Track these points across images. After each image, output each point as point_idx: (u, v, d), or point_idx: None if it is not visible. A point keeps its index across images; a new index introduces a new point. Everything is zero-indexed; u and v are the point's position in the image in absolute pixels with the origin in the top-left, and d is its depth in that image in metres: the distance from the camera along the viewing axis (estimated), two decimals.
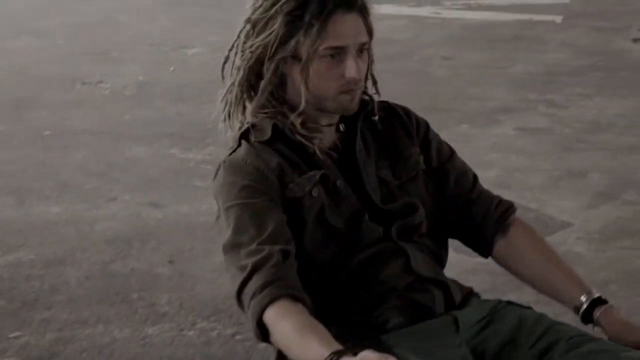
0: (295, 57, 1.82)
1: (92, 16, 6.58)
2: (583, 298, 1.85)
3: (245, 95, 1.89)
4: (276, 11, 1.81)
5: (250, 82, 1.87)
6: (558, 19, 6.31)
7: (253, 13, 1.85)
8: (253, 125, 1.87)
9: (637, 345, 1.77)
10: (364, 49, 1.83)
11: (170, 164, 4.13)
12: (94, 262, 3.29)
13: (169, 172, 4.04)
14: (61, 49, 5.93)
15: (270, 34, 1.81)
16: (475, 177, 1.98)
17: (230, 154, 1.88)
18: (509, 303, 1.91)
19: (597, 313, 1.83)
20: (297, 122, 1.84)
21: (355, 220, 1.83)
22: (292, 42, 1.81)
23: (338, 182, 1.84)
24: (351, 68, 1.80)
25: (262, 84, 1.85)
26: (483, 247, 1.95)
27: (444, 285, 1.86)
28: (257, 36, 1.84)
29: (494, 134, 4.42)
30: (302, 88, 1.82)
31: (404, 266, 1.83)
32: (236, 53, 1.90)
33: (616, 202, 3.73)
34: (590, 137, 4.39)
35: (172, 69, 5.41)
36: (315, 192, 1.82)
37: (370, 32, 1.84)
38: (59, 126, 4.59)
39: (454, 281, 1.92)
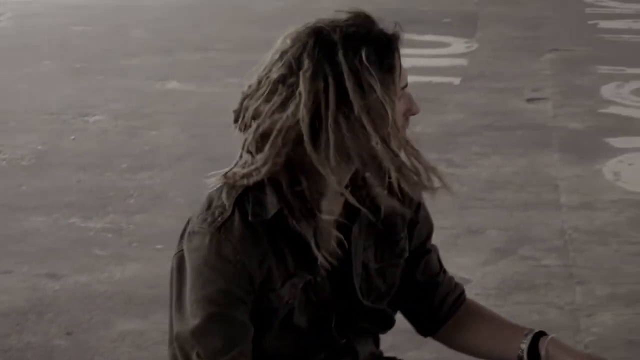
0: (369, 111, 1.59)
1: None
2: (525, 340, 1.80)
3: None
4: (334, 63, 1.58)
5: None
6: (456, 80, 6.47)
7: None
8: (255, 186, 1.65)
9: None
10: None
11: (69, 234, 4.07)
12: None
13: (67, 242, 3.98)
14: None
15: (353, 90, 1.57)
16: (439, 256, 1.89)
17: (221, 225, 1.64)
18: None
19: (541, 348, 1.78)
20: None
21: (320, 322, 1.73)
22: (372, 98, 1.59)
23: (319, 278, 1.71)
24: (417, 102, 1.66)
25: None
26: (429, 328, 1.89)
27: None
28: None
29: None
30: (385, 153, 1.59)
31: None
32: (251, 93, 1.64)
33: (513, 258, 3.81)
34: (487, 195, 4.49)
35: (72, 137, 5.36)
36: (291, 300, 1.69)
37: None
38: None
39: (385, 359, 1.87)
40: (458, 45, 7.44)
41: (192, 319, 1.66)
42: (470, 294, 3.42)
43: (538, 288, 3.56)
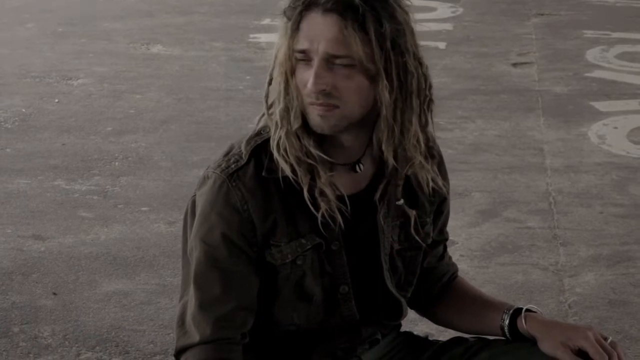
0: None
1: None
2: (504, 316, 1.80)
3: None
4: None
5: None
6: (442, 45, 6.45)
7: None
8: (268, 141, 1.65)
9: (568, 344, 1.72)
10: (340, 65, 1.58)
11: (54, 196, 4.05)
12: None
13: (52, 204, 3.97)
14: None
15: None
16: (445, 243, 1.89)
17: (234, 172, 1.64)
18: (404, 334, 1.90)
19: (519, 324, 1.78)
20: (325, 179, 1.62)
21: (333, 292, 1.71)
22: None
23: (334, 247, 1.69)
24: (310, 77, 1.58)
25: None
26: (418, 304, 1.89)
27: (376, 340, 1.83)
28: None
29: None
30: (278, 98, 1.61)
31: (351, 340, 1.78)
32: None
33: (497, 220, 3.83)
34: (472, 158, 4.50)
35: (56, 100, 5.33)
36: (300, 260, 1.67)
37: (362, 52, 1.56)
38: None
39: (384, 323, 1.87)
40: (443, 9, 7.42)
41: (195, 264, 1.66)
42: (456, 255, 3.48)
43: (522, 249, 3.58)
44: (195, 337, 1.67)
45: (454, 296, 1.88)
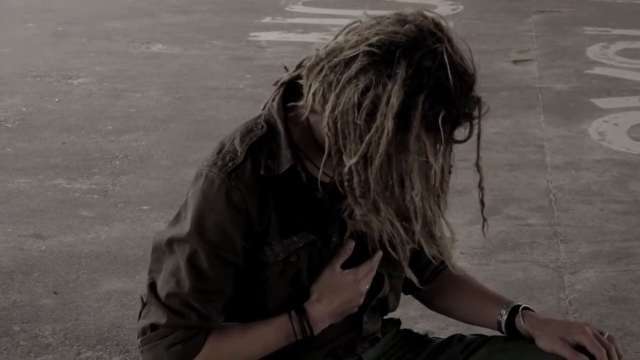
0: None
1: None
2: (503, 311, 1.80)
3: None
4: None
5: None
6: None
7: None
8: (270, 136, 1.63)
9: (566, 339, 1.72)
10: None
11: (55, 195, 4.06)
12: None
13: (53, 203, 3.97)
14: None
15: None
16: None
17: (232, 171, 1.60)
18: (404, 331, 1.90)
19: (517, 321, 1.78)
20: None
21: None
22: None
23: (334, 238, 1.68)
24: None
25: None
26: (412, 287, 1.87)
27: (376, 339, 1.83)
28: None
29: None
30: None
31: (352, 339, 1.78)
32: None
33: (498, 217, 3.83)
34: (472, 156, 4.46)
35: (56, 99, 5.33)
36: (294, 258, 1.66)
37: None
38: None
39: (384, 321, 1.86)
40: (444, 7, 7.41)
41: (190, 255, 1.63)
42: (456, 252, 3.46)
43: (523, 246, 3.58)
44: (193, 319, 1.66)
45: (452, 283, 1.88)
